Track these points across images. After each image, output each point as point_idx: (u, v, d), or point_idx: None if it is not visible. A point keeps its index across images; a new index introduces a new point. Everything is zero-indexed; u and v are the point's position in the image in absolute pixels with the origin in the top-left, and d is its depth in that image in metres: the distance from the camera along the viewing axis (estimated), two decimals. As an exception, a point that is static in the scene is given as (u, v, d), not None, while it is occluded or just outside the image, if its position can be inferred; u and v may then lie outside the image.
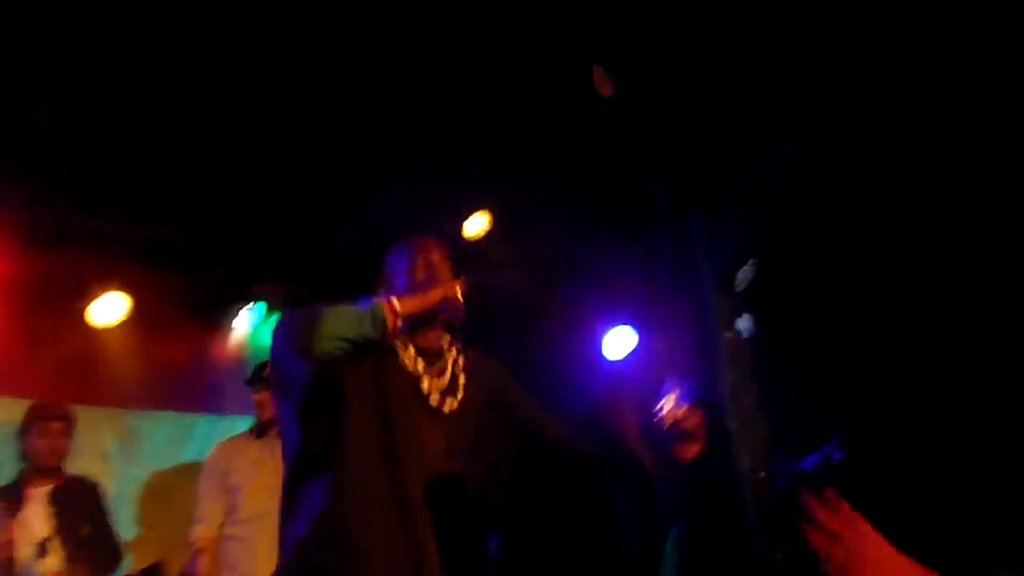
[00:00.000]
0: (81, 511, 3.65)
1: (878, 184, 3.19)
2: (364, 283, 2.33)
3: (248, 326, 4.57)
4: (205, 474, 3.81)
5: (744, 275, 3.56)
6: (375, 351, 2.17)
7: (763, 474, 3.35)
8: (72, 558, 3.47)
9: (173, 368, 4.36)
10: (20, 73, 3.30)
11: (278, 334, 2.15)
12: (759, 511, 3.30)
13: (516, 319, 4.46)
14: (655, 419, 2.31)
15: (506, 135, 3.64)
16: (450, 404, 2.27)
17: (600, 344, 5.00)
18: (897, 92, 3.15)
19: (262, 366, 3.82)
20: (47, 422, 3.70)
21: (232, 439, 3.91)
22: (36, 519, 3.52)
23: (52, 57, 3.26)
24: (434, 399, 2.23)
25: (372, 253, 2.45)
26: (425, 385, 2.23)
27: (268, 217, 4.21)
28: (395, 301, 2.08)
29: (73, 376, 4.13)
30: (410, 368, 2.23)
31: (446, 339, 2.33)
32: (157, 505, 4.34)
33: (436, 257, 2.34)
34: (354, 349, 2.07)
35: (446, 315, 2.21)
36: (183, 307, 4.39)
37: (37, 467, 3.67)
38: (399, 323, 2.09)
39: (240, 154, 3.82)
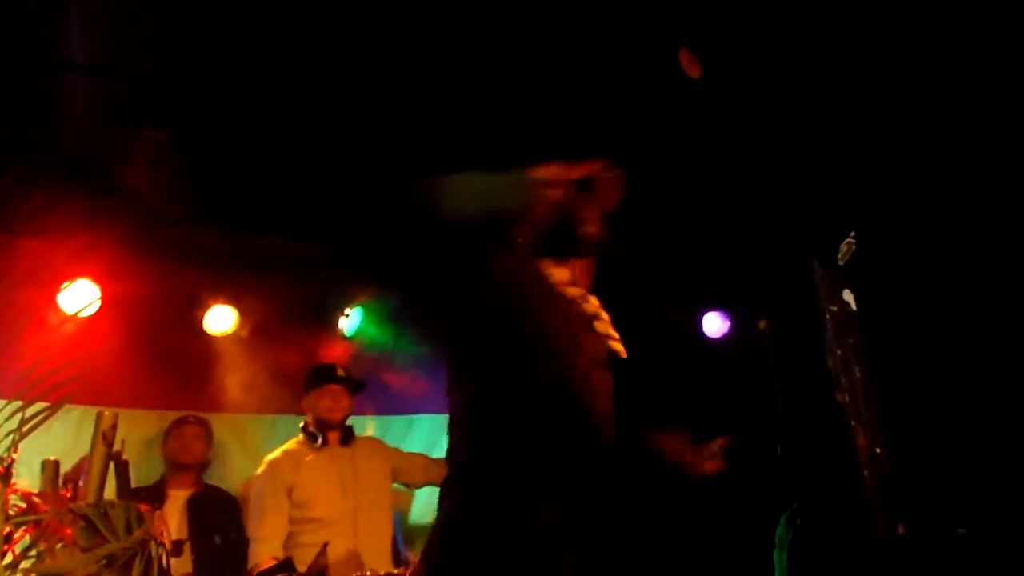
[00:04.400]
0: (215, 521, 3.85)
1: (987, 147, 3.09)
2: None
3: (350, 330, 4.72)
4: (263, 491, 3.68)
5: (845, 248, 3.50)
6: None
7: (879, 450, 3.29)
8: (200, 563, 3.64)
9: (283, 373, 4.51)
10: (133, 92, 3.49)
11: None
12: (877, 487, 3.23)
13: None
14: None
15: (589, 113, 3.66)
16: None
17: (699, 323, 5.02)
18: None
19: (327, 367, 3.91)
20: (181, 426, 4.00)
21: (282, 452, 3.80)
22: (174, 520, 3.72)
23: (161, 74, 3.44)
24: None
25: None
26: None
27: (370, 222, 4.32)
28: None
29: (193, 385, 4.34)
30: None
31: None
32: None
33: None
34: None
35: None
36: (289, 313, 4.54)
37: (175, 466, 3.91)
38: None
39: (341, 161, 3.96)
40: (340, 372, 3.88)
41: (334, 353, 4.53)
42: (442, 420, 5.22)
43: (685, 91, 3.11)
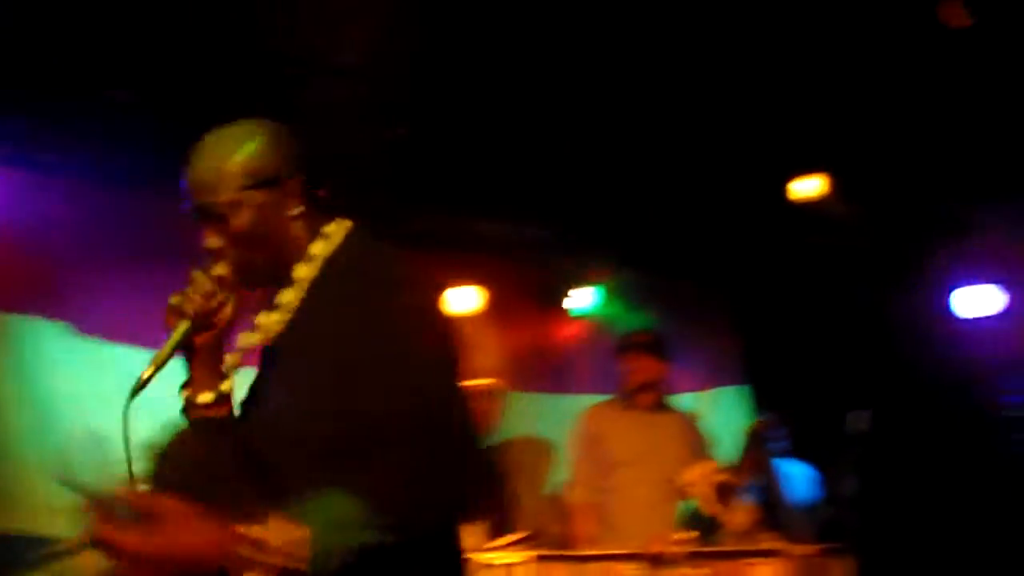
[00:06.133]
0: None
1: None
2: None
3: (584, 310, 4.81)
4: (577, 439, 3.87)
5: None
6: None
7: None
8: None
9: (524, 351, 4.64)
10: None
11: None
12: None
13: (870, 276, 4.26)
14: None
15: (854, 93, 3.49)
16: None
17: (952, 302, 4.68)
18: None
19: (630, 333, 3.95)
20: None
21: (600, 406, 3.96)
22: None
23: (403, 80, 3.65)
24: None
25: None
26: None
27: (601, 205, 4.38)
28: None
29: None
30: None
31: None
32: (514, 478, 4.66)
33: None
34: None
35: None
36: (529, 295, 4.67)
37: None
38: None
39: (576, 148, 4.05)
40: (635, 337, 3.91)
41: (568, 333, 4.62)
42: (688, 400, 5.18)
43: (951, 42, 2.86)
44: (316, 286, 1.43)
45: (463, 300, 4.56)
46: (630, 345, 3.88)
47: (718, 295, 5.23)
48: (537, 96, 3.87)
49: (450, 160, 4.20)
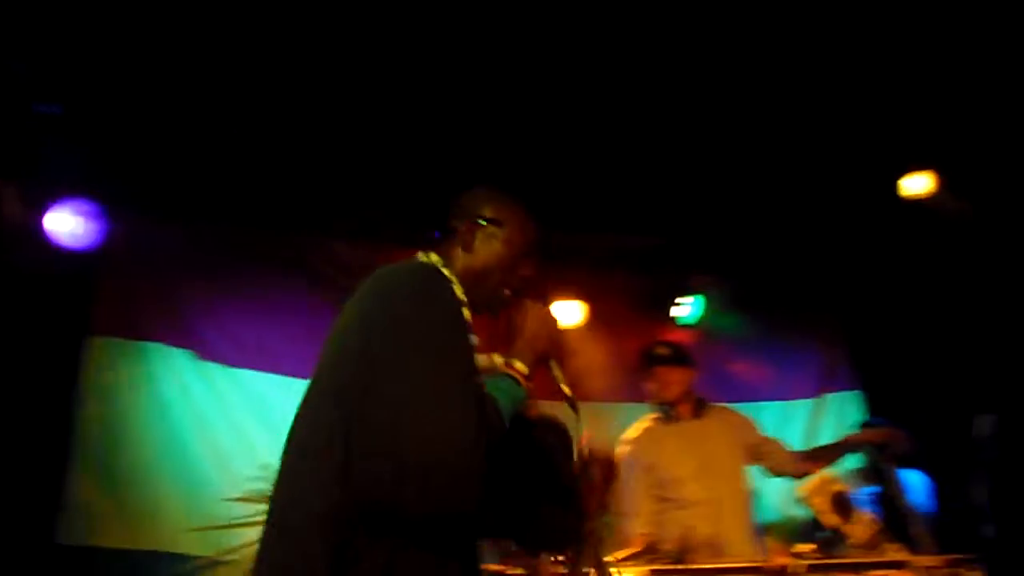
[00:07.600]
0: None
1: None
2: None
3: (688, 318, 4.80)
4: (628, 467, 3.67)
5: None
6: None
7: None
8: None
9: (625, 363, 4.65)
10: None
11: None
12: None
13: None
14: None
15: (963, 87, 3.39)
16: None
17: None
18: None
19: (651, 349, 3.84)
20: None
21: (641, 429, 3.79)
22: None
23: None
24: None
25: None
26: None
27: (704, 215, 4.36)
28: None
29: (545, 376, 4.59)
30: None
31: None
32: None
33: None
34: None
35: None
36: (629, 305, 4.68)
37: None
38: None
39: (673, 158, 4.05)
40: (659, 351, 3.82)
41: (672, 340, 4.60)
42: (788, 408, 5.06)
43: None
44: None
45: (568, 313, 4.61)
46: (656, 359, 3.79)
47: (825, 299, 5.13)
48: (632, 105, 3.90)
49: (550, 175, 4.26)
